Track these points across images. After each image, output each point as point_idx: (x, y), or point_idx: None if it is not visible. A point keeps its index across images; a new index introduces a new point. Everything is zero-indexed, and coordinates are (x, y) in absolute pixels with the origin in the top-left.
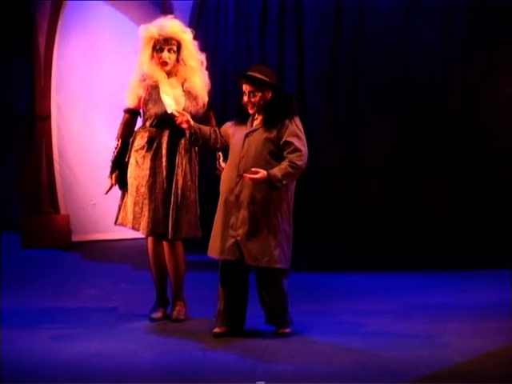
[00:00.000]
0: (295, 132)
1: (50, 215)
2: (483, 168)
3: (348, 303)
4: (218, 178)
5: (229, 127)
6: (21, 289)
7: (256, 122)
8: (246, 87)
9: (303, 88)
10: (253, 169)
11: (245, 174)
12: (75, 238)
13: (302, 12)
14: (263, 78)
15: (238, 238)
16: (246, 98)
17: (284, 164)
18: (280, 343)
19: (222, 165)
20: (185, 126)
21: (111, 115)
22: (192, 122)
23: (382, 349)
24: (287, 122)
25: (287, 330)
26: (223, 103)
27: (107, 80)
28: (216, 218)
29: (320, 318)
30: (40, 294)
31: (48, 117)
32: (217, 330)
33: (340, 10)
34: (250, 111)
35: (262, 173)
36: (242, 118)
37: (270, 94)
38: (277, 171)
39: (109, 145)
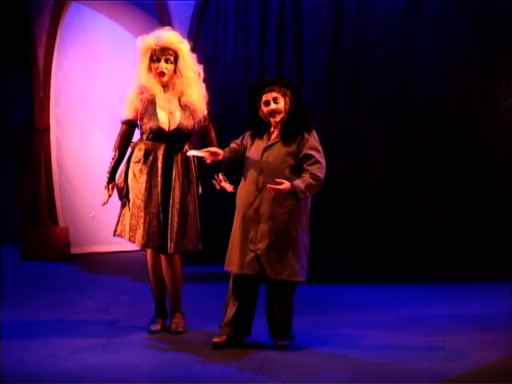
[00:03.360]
0: (314, 145)
1: (48, 227)
2: (482, 179)
3: (346, 315)
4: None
5: (246, 138)
6: (19, 301)
7: (273, 136)
8: (269, 95)
9: (302, 98)
10: (277, 180)
11: (269, 186)
12: (74, 250)
13: (301, 23)
14: (289, 82)
15: (258, 252)
16: (270, 107)
17: (306, 176)
18: (279, 355)
19: (221, 176)
20: (211, 160)
21: (110, 127)
22: (221, 155)
23: (381, 361)
24: (306, 135)
25: (286, 343)
26: (222, 115)
27: (105, 91)
28: (233, 232)
29: (318, 330)
30: (39, 307)
31: (47, 129)
32: (216, 339)
33: (339, 20)
34: (277, 119)
35: (286, 184)
36: (257, 130)
37: (288, 100)
38: (300, 183)
39: (107, 157)
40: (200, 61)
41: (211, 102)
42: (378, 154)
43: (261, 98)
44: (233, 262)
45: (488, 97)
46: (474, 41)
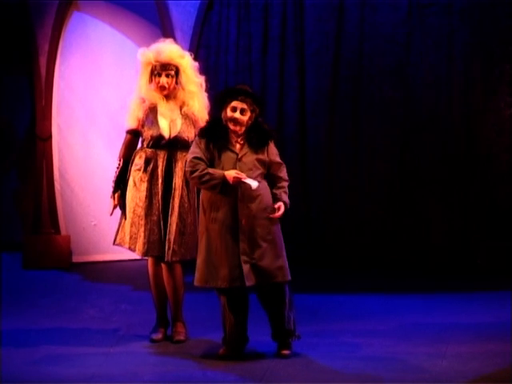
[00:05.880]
0: (277, 152)
1: (50, 236)
2: (485, 188)
3: (348, 324)
4: None
5: (205, 150)
6: (21, 309)
7: (240, 145)
8: (238, 103)
9: (304, 107)
10: (276, 206)
11: (272, 216)
12: (76, 258)
13: (303, 32)
14: (262, 101)
15: (254, 262)
16: (235, 115)
17: (284, 184)
18: (280, 364)
19: None
20: None
21: (111, 136)
22: None
23: (382, 371)
24: (271, 143)
25: (288, 352)
26: None
27: (107, 100)
28: (211, 246)
29: (320, 339)
30: (40, 315)
31: (49, 137)
32: (224, 351)
33: (341, 28)
34: (235, 128)
35: (282, 205)
36: (217, 139)
37: (253, 116)
38: (285, 196)
39: (109, 165)
40: (202, 69)
41: (214, 110)
42: (380, 163)
43: (230, 101)
44: (218, 277)
45: (491, 105)
46: (476, 49)
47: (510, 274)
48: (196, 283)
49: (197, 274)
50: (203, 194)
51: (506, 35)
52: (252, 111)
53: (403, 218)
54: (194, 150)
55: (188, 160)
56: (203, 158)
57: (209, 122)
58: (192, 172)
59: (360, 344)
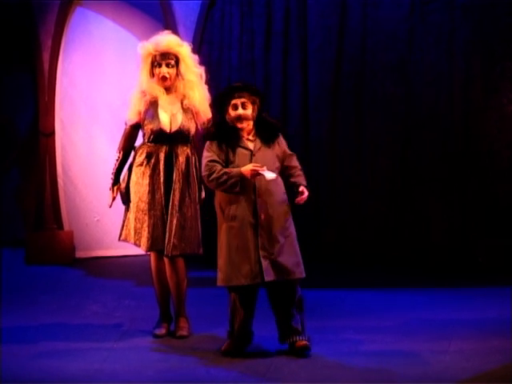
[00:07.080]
0: (286, 143)
1: (53, 231)
2: (485, 185)
3: (351, 320)
4: None
5: (218, 152)
6: (24, 305)
7: (252, 142)
8: (237, 100)
9: (307, 102)
10: (300, 190)
11: (298, 200)
12: (79, 254)
13: (306, 27)
14: (259, 90)
15: (272, 257)
16: (238, 111)
17: (300, 172)
18: (283, 361)
19: None
20: None
21: (114, 131)
22: None
23: (385, 367)
24: (281, 136)
25: (308, 343)
26: None
27: (110, 96)
28: (232, 245)
29: (323, 335)
30: (43, 310)
31: (52, 133)
32: (227, 346)
33: (344, 25)
34: (243, 125)
35: (304, 189)
36: (231, 139)
37: (256, 108)
38: (304, 181)
39: (112, 161)
40: (205, 64)
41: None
42: (383, 159)
43: (229, 102)
44: (241, 274)
45: (492, 102)
46: (477, 46)
47: (509, 271)
48: (219, 283)
49: (220, 275)
50: (219, 194)
51: (507, 33)
52: (253, 103)
53: (405, 214)
54: (207, 154)
55: (203, 165)
56: (218, 159)
57: (214, 126)
58: (209, 175)
59: (363, 340)
